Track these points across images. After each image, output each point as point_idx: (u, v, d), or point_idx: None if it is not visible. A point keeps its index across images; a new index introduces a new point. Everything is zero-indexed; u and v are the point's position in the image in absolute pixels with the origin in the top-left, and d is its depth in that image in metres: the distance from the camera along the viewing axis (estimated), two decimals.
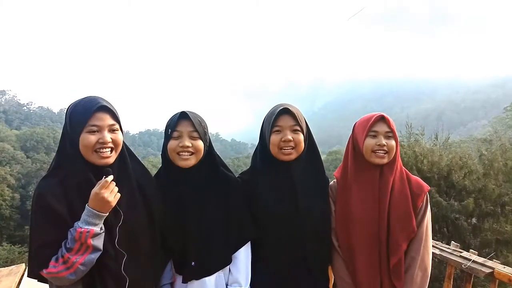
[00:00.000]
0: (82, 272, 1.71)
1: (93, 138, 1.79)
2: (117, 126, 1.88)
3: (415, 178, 2.32)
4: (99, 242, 1.72)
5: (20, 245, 30.89)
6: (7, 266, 4.35)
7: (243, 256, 2.19)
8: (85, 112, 1.80)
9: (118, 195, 1.78)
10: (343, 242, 2.27)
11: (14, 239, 35.65)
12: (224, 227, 2.15)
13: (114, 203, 1.76)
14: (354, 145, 2.30)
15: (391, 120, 2.23)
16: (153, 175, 2.20)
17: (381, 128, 2.19)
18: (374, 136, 2.19)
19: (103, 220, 1.75)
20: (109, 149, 1.84)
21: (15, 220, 43.22)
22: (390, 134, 2.19)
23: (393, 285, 2.17)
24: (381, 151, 2.17)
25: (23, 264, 4.13)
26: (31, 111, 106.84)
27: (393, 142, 2.19)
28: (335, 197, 2.33)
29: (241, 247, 2.17)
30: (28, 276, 1.79)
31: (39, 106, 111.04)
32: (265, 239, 2.23)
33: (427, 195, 2.27)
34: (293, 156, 2.23)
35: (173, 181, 2.16)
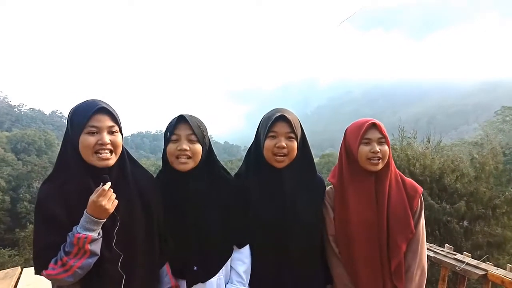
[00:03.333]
0: (80, 275, 1.76)
1: (92, 139, 1.81)
2: (116, 128, 1.90)
3: (409, 180, 2.37)
4: (96, 247, 1.76)
5: (10, 248, 30.48)
6: None
7: (245, 256, 2.23)
8: (84, 114, 1.82)
9: (116, 201, 1.80)
10: (343, 247, 2.29)
11: (4, 242, 35.17)
12: (224, 230, 2.17)
13: (111, 210, 1.78)
14: (347, 151, 2.34)
15: (382, 126, 2.27)
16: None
17: (374, 135, 2.23)
18: (367, 143, 2.23)
19: (100, 226, 1.78)
20: (108, 151, 1.85)
21: (5, 223, 42.69)
22: (383, 140, 2.23)
23: (394, 286, 2.21)
24: (375, 158, 2.21)
25: (19, 267, 4.12)
26: (22, 112, 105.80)
27: (386, 148, 2.23)
28: (333, 203, 2.35)
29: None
30: (35, 274, 1.82)
31: (30, 108, 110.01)
32: (253, 244, 2.27)
33: (421, 196, 2.33)
34: (285, 163, 2.26)
35: (173, 184, 2.17)
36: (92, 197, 1.74)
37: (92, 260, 1.76)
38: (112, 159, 1.88)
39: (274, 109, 2.34)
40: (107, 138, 1.84)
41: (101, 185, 1.75)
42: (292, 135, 2.23)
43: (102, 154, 1.83)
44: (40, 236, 1.80)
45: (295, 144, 2.24)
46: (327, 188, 2.44)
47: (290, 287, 2.24)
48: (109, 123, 1.87)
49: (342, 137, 2.40)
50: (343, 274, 2.29)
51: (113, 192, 1.80)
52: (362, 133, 2.22)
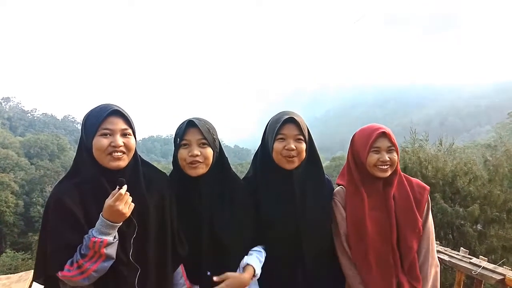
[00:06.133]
0: (95, 277, 1.74)
1: (105, 141, 1.82)
2: (129, 131, 1.91)
3: (415, 180, 2.41)
4: (112, 251, 1.75)
5: (23, 252, 30.93)
6: (11, 273, 4.37)
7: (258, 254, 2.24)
8: (98, 117, 1.84)
9: (132, 205, 1.79)
10: (356, 247, 2.28)
11: (17, 246, 35.74)
12: (237, 234, 2.16)
13: (128, 214, 1.78)
14: (355, 158, 2.36)
15: (391, 133, 2.29)
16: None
17: (383, 143, 2.24)
18: (377, 152, 2.24)
19: (116, 229, 1.77)
20: (121, 153, 1.86)
21: (19, 227, 43.32)
22: (392, 148, 2.25)
23: (411, 286, 2.20)
24: (385, 166, 2.23)
25: (32, 271, 4.15)
26: (35, 117, 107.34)
27: (395, 155, 2.25)
28: (344, 202, 2.35)
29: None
30: (33, 280, 1.83)
31: (43, 113, 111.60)
32: (265, 246, 2.27)
33: (428, 194, 2.35)
34: (295, 164, 2.26)
35: (185, 188, 2.17)
36: (109, 201, 1.73)
37: (108, 263, 1.75)
38: (125, 160, 1.88)
39: (281, 112, 2.35)
40: (120, 140, 1.84)
41: (117, 189, 1.74)
42: (301, 137, 2.24)
43: (115, 154, 1.83)
44: (57, 234, 1.78)
45: (303, 145, 2.25)
46: (337, 188, 2.45)
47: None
48: (122, 125, 1.88)
49: (350, 142, 2.42)
50: (355, 275, 2.28)
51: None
52: (372, 142, 2.24)
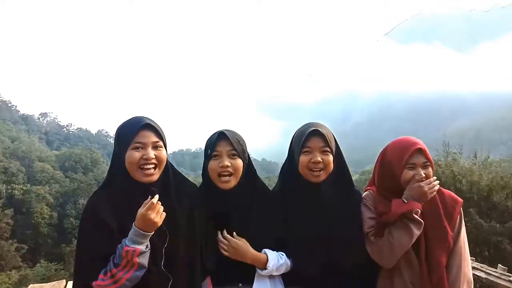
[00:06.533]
0: (128, 287, 1.78)
1: (137, 154, 1.88)
2: (161, 144, 1.97)
3: (448, 192, 2.35)
4: (144, 260, 1.79)
5: (56, 263, 31.73)
6: (44, 283, 4.47)
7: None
8: (131, 131, 1.91)
9: (164, 214, 1.83)
10: None
11: (51, 256, 36.68)
12: (266, 247, 2.16)
13: (160, 223, 1.82)
14: (385, 170, 2.32)
15: (426, 149, 2.25)
16: None
17: (419, 159, 2.21)
18: (412, 168, 2.21)
19: (148, 239, 1.81)
20: (153, 165, 1.92)
21: (53, 238, 44.55)
22: (427, 163, 2.22)
23: None
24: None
25: (64, 280, 4.25)
26: (70, 132, 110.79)
27: (430, 171, 2.22)
28: (374, 204, 2.33)
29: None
30: (79, 280, 1.88)
31: (78, 128, 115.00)
32: (294, 260, 2.23)
33: (461, 208, 2.30)
34: (322, 177, 2.24)
35: (215, 201, 2.18)
36: (141, 210, 1.77)
37: (140, 272, 1.79)
38: (156, 174, 1.94)
39: (307, 123, 2.34)
40: (152, 153, 1.91)
41: (149, 198, 1.79)
42: (327, 148, 2.22)
43: (146, 170, 1.90)
44: (91, 245, 1.86)
45: (330, 157, 2.23)
46: (365, 193, 2.42)
47: None
48: (154, 138, 1.94)
49: (381, 153, 2.38)
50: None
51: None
52: (407, 157, 2.20)
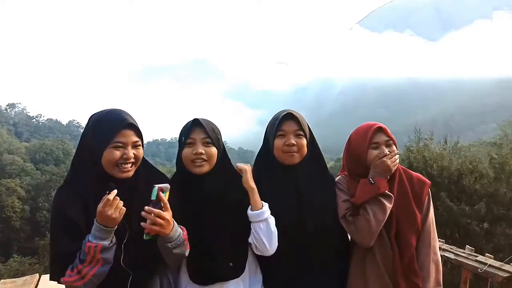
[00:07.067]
0: (95, 283, 1.78)
1: (117, 153, 1.87)
2: (139, 143, 1.97)
3: (416, 174, 2.43)
4: (109, 255, 1.77)
5: (30, 257, 31.02)
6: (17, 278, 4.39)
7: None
8: (112, 129, 1.88)
9: (123, 209, 1.79)
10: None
11: (24, 250, 35.84)
12: (244, 234, 2.16)
13: (119, 219, 1.78)
14: (351, 157, 2.39)
15: (387, 128, 2.31)
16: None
17: (381, 138, 2.28)
18: (376, 148, 2.27)
19: (112, 234, 1.79)
20: (130, 164, 1.92)
21: (25, 232, 43.48)
22: (390, 142, 2.28)
23: (410, 282, 2.21)
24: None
25: (37, 274, 4.17)
26: (40, 123, 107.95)
27: (394, 149, 2.28)
28: (347, 187, 2.38)
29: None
30: (50, 279, 1.85)
31: (48, 119, 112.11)
32: None
33: (429, 190, 2.37)
34: (297, 159, 2.28)
35: (188, 187, 2.17)
36: (99, 207, 1.75)
37: (106, 268, 1.77)
38: (132, 171, 1.94)
39: (281, 110, 2.37)
40: (131, 152, 1.91)
41: (107, 193, 1.76)
42: (301, 132, 2.27)
43: (125, 167, 1.89)
44: (59, 242, 1.83)
45: (304, 141, 2.27)
46: (337, 177, 2.48)
47: (312, 286, 2.24)
48: (134, 138, 1.94)
49: (347, 140, 2.45)
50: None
51: (128, 201, 1.83)
52: (370, 138, 2.27)
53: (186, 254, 2.00)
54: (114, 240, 1.80)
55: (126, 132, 1.91)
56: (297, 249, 2.23)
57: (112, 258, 1.79)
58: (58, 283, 1.83)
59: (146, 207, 1.81)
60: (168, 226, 1.85)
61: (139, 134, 1.97)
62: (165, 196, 1.85)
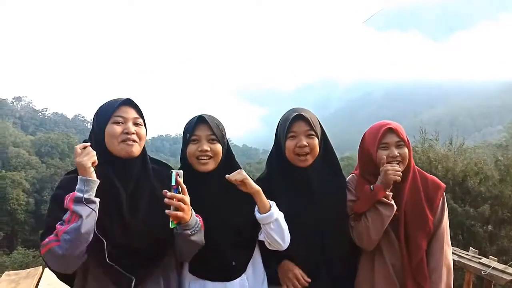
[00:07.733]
0: (67, 243, 1.59)
1: (118, 128, 1.86)
2: (141, 121, 1.95)
3: (432, 177, 2.38)
4: (81, 209, 1.61)
5: (34, 249, 31.22)
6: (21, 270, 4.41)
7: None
8: (111, 106, 1.90)
9: (94, 157, 1.72)
10: None
11: (28, 243, 36.11)
12: (248, 232, 2.14)
13: (88, 165, 1.69)
14: (365, 156, 2.35)
15: (400, 128, 2.27)
16: None
17: (391, 139, 2.23)
18: (385, 148, 2.23)
19: (92, 187, 1.68)
20: (133, 141, 1.89)
21: (30, 225, 43.85)
22: (401, 143, 2.23)
23: (418, 285, 2.19)
24: (394, 162, 2.20)
25: (40, 267, 4.20)
26: (46, 117, 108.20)
27: (405, 151, 2.23)
28: (355, 188, 2.36)
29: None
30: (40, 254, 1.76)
31: (54, 112, 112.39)
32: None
33: (443, 193, 2.33)
34: (309, 161, 2.25)
35: (193, 184, 2.16)
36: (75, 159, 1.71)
37: (78, 224, 1.59)
38: (137, 148, 1.91)
39: (291, 109, 2.35)
40: (132, 128, 1.89)
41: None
42: (312, 132, 2.23)
43: (128, 142, 1.86)
44: (50, 213, 1.78)
45: (316, 141, 2.24)
46: (349, 176, 2.46)
47: (327, 283, 2.21)
48: (135, 114, 1.93)
49: (361, 139, 2.41)
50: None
51: (136, 187, 1.86)
52: (379, 138, 2.23)
53: (203, 242, 1.93)
54: (93, 199, 1.67)
55: (125, 108, 1.90)
56: (315, 251, 2.22)
57: (85, 215, 1.61)
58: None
59: (169, 193, 1.74)
60: (189, 211, 1.80)
61: (140, 112, 1.96)
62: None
